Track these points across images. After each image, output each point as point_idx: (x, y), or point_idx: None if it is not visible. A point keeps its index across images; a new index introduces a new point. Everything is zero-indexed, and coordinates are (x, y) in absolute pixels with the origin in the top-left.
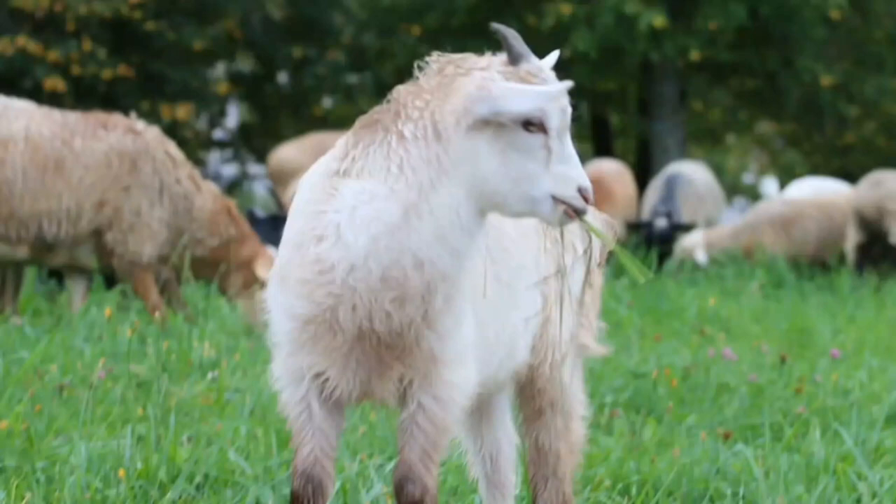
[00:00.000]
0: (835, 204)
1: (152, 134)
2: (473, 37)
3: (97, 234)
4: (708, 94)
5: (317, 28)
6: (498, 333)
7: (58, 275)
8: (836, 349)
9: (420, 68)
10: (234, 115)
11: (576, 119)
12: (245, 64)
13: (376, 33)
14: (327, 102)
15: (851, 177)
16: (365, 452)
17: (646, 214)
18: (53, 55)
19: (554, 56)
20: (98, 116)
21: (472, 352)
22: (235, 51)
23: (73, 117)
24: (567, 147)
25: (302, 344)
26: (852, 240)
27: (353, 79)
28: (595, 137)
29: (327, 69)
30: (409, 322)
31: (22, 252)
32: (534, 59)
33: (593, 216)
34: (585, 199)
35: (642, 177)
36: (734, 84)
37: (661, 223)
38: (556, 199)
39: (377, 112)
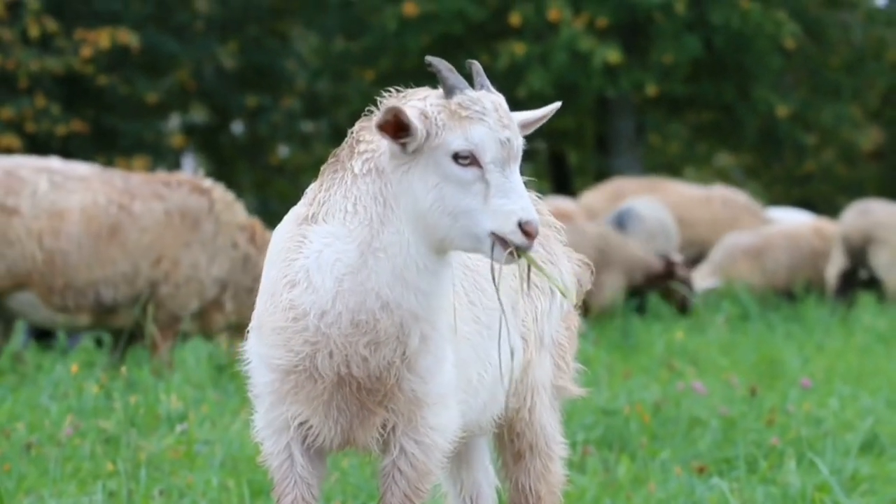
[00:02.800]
0: (800, 233)
1: (218, 193)
2: (427, 79)
3: (150, 287)
4: (665, 127)
5: (270, 76)
6: (480, 375)
7: (45, 333)
8: (807, 379)
9: (376, 106)
10: (189, 166)
11: (527, 151)
12: (199, 114)
13: (330, 79)
14: (283, 151)
15: (812, 206)
16: (338, 499)
17: None
18: (7, 113)
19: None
20: (160, 176)
21: (454, 394)
22: (189, 102)
23: (135, 180)
24: (510, 180)
25: (284, 395)
26: (836, 266)
27: (308, 126)
28: (553, 175)
29: (282, 117)
30: (387, 365)
31: (83, 319)
32: (470, 91)
33: (566, 258)
34: (528, 234)
35: None
36: (691, 117)
37: None
38: (496, 237)
39: (338, 150)
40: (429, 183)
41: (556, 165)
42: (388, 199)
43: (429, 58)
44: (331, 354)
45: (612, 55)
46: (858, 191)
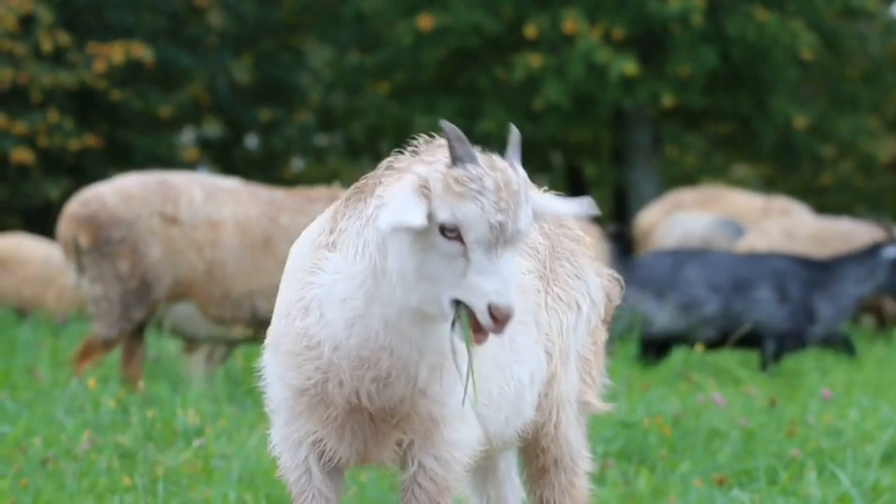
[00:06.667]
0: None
1: None
2: (442, 93)
3: None
4: (682, 139)
5: (284, 90)
6: (502, 389)
7: None
8: (826, 390)
9: (415, 142)
10: None
11: (544, 163)
12: (212, 129)
13: (344, 93)
14: (297, 164)
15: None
16: None
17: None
18: (20, 127)
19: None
20: (303, 191)
21: (472, 409)
22: (202, 116)
23: (279, 195)
24: (494, 262)
25: (298, 412)
26: None
27: (322, 139)
28: (570, 187)
29: (296, 131)
30: (400, 399)
31: (238, 331)
32: (474, 166)
33: (594, 273)
34: (495, 318)
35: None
36: (708, 128)
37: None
38: (457, 305)
39: (367, 178)
40: (416, 246)
41: (572, 178)
42: (387, 253)
43: (442, 122)
44: (341, 384)
45: (629, 67)
46: (876, 202)
